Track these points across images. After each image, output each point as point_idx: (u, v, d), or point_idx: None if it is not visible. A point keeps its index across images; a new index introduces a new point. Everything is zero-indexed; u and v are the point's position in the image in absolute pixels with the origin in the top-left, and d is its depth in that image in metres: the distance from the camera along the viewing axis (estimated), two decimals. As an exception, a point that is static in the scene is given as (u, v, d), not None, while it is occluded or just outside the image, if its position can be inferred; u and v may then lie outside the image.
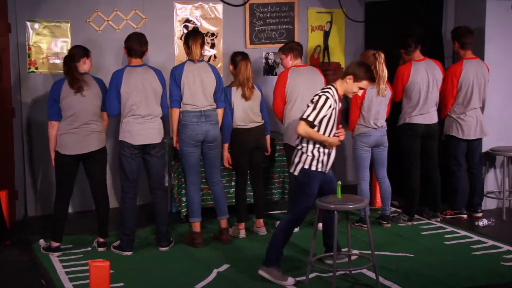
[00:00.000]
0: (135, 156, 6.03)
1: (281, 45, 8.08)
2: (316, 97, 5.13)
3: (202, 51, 6.31)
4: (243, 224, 6.59)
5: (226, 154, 6.48)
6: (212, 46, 7.89)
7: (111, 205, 6.77)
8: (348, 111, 6.87)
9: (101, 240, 6.18)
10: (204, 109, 6.19)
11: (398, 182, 7.12)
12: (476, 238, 6.44)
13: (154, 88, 6.01)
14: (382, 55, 6.53)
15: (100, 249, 6.14)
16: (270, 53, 8.15)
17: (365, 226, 6.10)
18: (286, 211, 6.99)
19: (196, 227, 6.30)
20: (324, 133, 5.15)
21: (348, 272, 5.41)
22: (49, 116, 5.99)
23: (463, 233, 6.60)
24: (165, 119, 6.24)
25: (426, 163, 6.98)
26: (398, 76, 6.86)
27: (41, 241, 6.25)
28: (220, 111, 6.32)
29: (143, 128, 5.99)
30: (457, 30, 7.01)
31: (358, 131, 6.69)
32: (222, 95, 6.32)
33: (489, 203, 7.38)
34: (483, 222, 6.86)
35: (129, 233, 6.08)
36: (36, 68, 7.22)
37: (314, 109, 5.10)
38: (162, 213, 6.19)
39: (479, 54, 7.09)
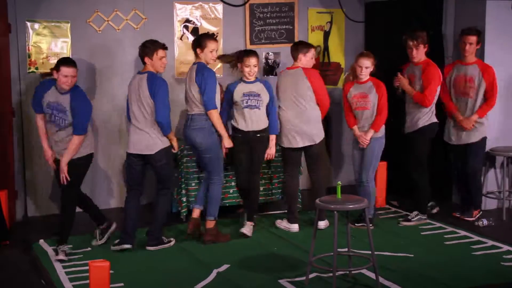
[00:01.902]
0: (134, 165, 6.12)
1: (281, 45, 8.16)
2: None
3: (198, 53, 6.31)
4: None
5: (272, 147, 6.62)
6: (212, 46, 7.88)
7: (112, 205, 6.81)
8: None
9: (102, 226, 6.31)
10: (192, 113, 6.26)
11: (398, 182, 7.12)
12: (476, 238, 6.43)
13: (146, 97, 6.00)
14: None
15: (100, 242, 6.26)
16: (270, 53, 8.15)
17: (370, 225, 6.37)
18: (286, 211, 7.01)
19: (196, 213, 6.41)
20: None
21: (348, 272, 5.41)
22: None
23: (463, 233, 6.60)
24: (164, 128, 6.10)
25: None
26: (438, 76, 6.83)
27: (63, 252, 5.97)
28: (209, 113, 6.20)
29: (137, 138, 6.08)
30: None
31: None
32: (205, 97, 6.16)
33: (489, 203, 7.38)
34: (483, 222, 6.86)
35: (129, 231, 6.12)
36: (36, 68, 7.22)
37: None
38: (158, 213, 6.21)
39: (479, 54, 7.08)
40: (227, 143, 6.32)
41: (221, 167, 6.38)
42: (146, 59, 6.07)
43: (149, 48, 6.06)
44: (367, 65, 6.58)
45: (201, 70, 6.19)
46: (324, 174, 7.01)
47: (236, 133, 6.48)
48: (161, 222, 6.25)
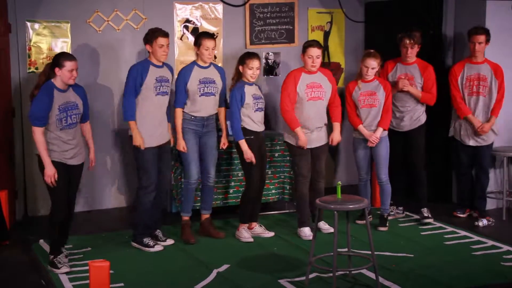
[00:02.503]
0: None
1: (281, 45, 8.16)
2: None
3: (196, 51, 6.40)
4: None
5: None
6: (212, 46, 7.89)
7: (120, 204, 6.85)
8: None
9: None
10: None
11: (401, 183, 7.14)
12: (476, 238, 6.43)
13: None
14: None
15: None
16: (270, 53, 8.15)
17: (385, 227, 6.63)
18: (286, 211, 7.00)
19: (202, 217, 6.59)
20: None
21: (348, 272, 5.41)
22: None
23: (463, 233, 6.60)
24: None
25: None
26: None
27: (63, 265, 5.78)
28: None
29: None
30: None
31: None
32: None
33: (489, 203, 7.37)
34: (483, 222, 6.86)
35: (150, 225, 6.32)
36: (36, 68, 7.21)
37: None
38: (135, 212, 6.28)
39: (479, 54, 7.09)
40: (178, 144, 6.29)
41: (187, 167, 6.37)
42: (147, 47, 6.10)
43: (149, 35, 6.08)
44: (373, 65, 6.57)
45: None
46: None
47: (248, 135, 6.40)
48: (136, 221, 6.21)
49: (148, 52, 6.15)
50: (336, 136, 6.62)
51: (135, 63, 6.20)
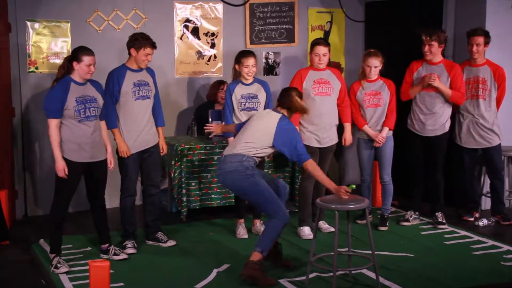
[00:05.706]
0: None
1: (281, 45, 8.16)
2: None
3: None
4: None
5: None
6: (212, 46, 7.90)
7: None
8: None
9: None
10: None
11: (401, 182, 7.14)
12: (476, 238, 6.44)
13: None
14: None
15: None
16: (270, 53, 8.15)
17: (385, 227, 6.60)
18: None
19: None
20: None
21: (348, 272, 5.41)
22: None
23: (463, 233, 6.60)
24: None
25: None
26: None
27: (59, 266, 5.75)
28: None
29: None
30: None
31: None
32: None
33: (489, 203, 7.37)
34: (483, 222, 6.86)
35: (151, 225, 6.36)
36: (36, 68, 7.22)
37: None
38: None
39: (479, 54, 7.08)
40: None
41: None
42: (132, 50, 5.98)
43: (139, 41, 5.93)
44: (376, 64, 6.56)
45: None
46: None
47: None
48: (121, 224, 6.22)
49: (129, 55, 6.03)
50: (349, 137, 6.65)
51: (112, 69, 6.07)
